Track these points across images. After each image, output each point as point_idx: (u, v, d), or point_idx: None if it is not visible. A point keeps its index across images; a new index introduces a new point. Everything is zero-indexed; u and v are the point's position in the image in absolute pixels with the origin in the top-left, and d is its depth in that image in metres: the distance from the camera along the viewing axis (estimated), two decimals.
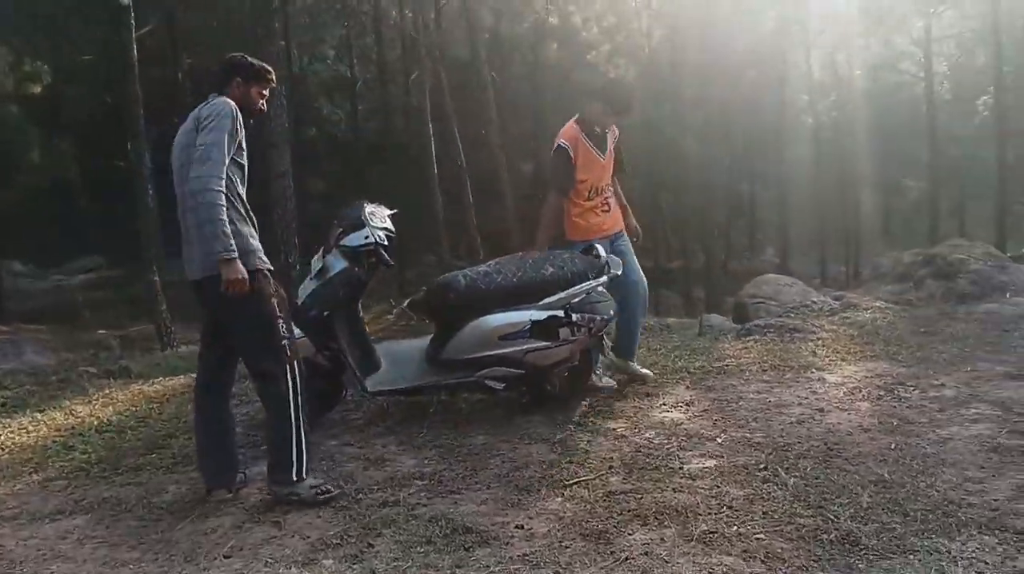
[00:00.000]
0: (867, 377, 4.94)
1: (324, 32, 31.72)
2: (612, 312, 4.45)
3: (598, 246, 4.52)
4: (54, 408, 5.08)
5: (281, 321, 3.36)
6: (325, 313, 4.09)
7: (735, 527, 2.94)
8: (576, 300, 4.30)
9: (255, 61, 3.55)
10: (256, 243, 3.37)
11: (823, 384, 4.81)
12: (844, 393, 4.62)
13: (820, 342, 5.78)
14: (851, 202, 32.18)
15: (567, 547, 2.85)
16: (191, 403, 4.98)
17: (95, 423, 4.69)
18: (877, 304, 6.85)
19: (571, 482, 3.45)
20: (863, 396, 4.55)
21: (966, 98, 30.21)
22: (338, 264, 4.08)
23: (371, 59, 27.90)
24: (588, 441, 4.00)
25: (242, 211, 3.36)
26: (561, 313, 4.20)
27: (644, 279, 4.90)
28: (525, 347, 4.20)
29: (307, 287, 4.17)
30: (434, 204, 18.34)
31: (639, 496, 3.26)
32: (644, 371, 5.04)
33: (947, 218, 30.08)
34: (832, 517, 2.98)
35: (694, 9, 24.20)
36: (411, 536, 2.99)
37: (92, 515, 3.34)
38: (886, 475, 3.37)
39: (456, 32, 22.13)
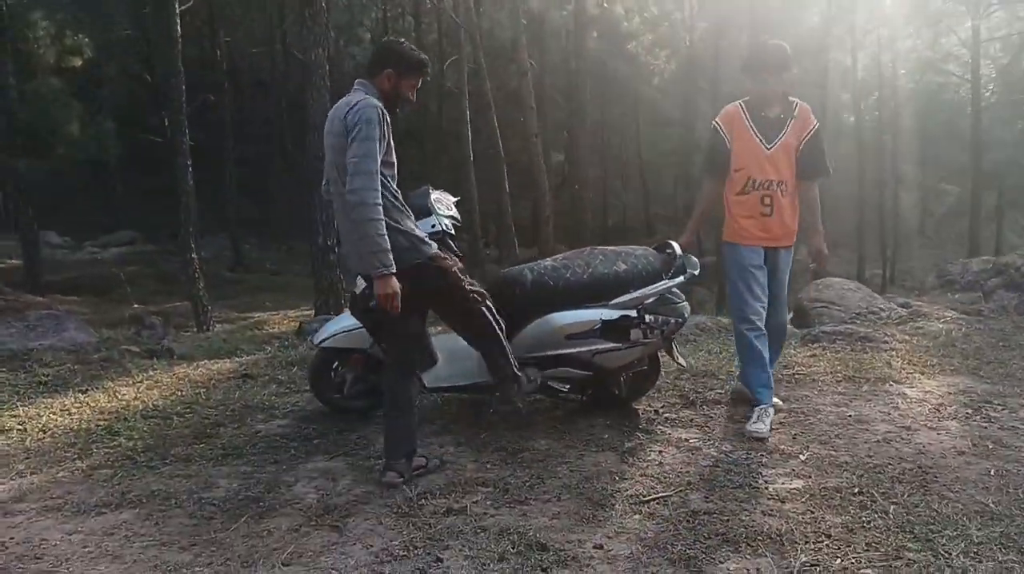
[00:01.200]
0: (950, 393, 4.64)
1: (362, 15, 31.61)
2: (687, 315, 4.18)
3: (673, 243, 4.22)
4: (97, 389, 4.91)
5: (466, 283, 3.50)
6: None
7: (838, 560, 2.68)
8: (650, 300, 4.03)
9: (412, 51, 3.43)
10: (420, 231, 3.41)
11: (904, 399, 4.52)
12: (929, 410, 4.33)
13: (894, 353, 5.47)
14: (889, 203, 31.53)
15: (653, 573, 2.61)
16: (238, 390, 4.88)
17: (140, 407, 4.51)
18: (948, 314, 6.52)
19: (648, 498, 3.20)
20: (950, 414, 4.26)
21: (1011, 102, 29.40)
22: None
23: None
24: (660, 452, 3.75)
25: (400, 206, 3.33)
26: (634, 313, 3.94)
27: (787, 322, 4.56)
28: (594, 348, 3.94)
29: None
30: (469, 191, 18.11)
31: (725, 518, 3.00)
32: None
33: (984, 223, 29.29)
34: (944, 553, 2.71)
35: (736, 2, 23.68)
36: (481, 551, 2.76)
37: (140, 510, 3.15)
38: (991, 505, 3.10)
39: (495, 16, 21.83)
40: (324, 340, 4.14)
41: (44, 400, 4.68)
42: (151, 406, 4.54)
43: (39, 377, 5.17)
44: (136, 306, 15.80)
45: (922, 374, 5.04)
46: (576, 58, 20.72)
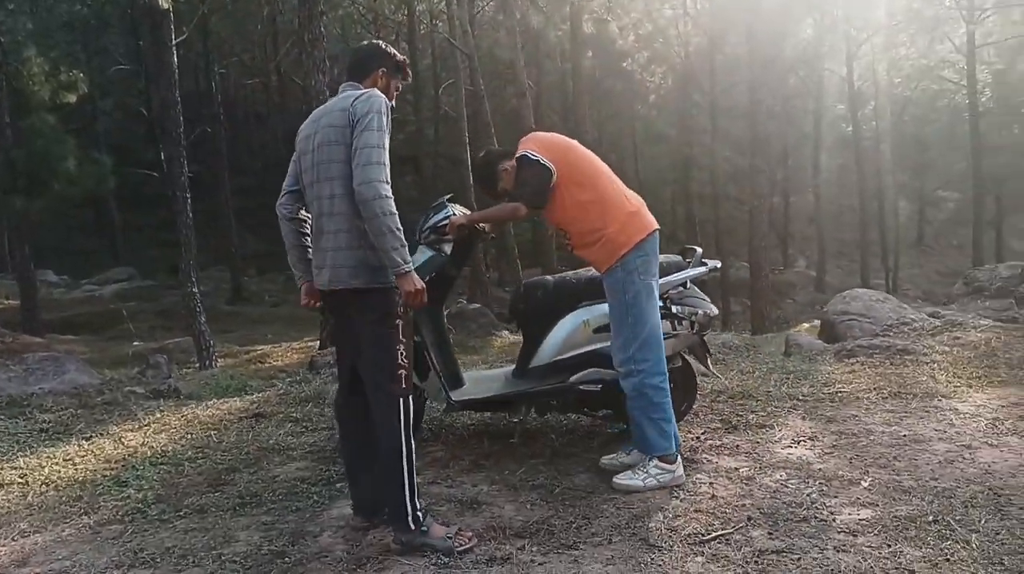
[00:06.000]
0: (1003, 406, 4.40)
1: (356, 42, 31.60)
2: (715, 310, 4.00)
3: (695, 247, 4.14)
4: (101, 434, 4.65)
5: (403, 348, 2.95)
6: None
7: None
8: (674, 291, 3.91)
9: (398, 52, 3.21)
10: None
11: (957, 415, 4.27)
12: (985, 425, 4.09)
13: (936, 365, 5.23)
14: (889, 212, 31.46)
15: None
16: (251, 431, 4.62)
17: (148, 454, 4.24)
18: (984, 322, 6.28)
19: (708, 537, 2.94)
20: (1008, 429, 4.01)
21: (1007, 107, 29.40)
22: (422, 255, 3.79)
23: None
24: (710, 483, 3.49)
25: None
26: (660, 303, 3.75)
27: None
28: None
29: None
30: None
31: (796, 557, 2.74)
32: None
33: (984, 229, 29.16)
34: None
35: (733, 15, 23.65)
36: None
37: (155, 571, 2.87)
38: None
39: (492, 37, 21.79)
40: None
41: (46, 449, 4.42)
42: (160, 452, 4.27)
43: (40, 424, 4.91)
44: (136, 343, 15.56)
45: (969, 387, 4.80)
46: (573, 77, 20.63)
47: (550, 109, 25.39)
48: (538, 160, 3.44)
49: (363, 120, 2.84)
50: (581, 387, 3.89)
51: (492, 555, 2.87)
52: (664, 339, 3.68)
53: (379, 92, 2.96)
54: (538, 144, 3.53)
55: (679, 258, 4.08)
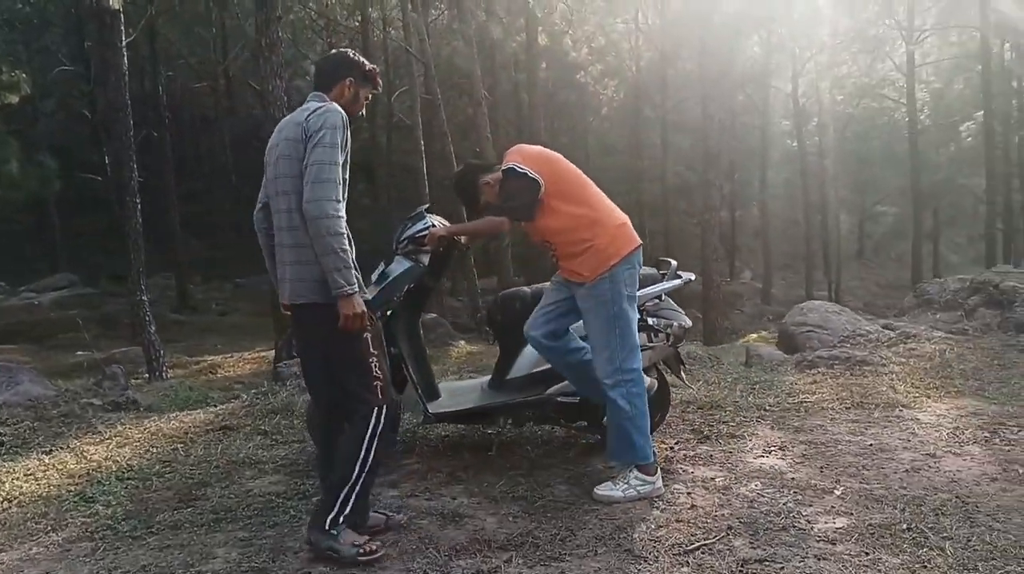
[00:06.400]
0: (961, 416, 4.56)
1: (307, 48, 31.29)
2: (688, 322, 4.06)
3: (669, 259, 4.22)
4: (62, 448, 4.49)
5: (375, 359, 2.92)
6: (388, 312, 3.78)
7: None
8: (650, 303, 3.96)
9: (366, 61, 3.16)
10: (357, 273, 2.94)
11: (919, 425, 4.42)
12: (947, 435, 4.23)
13: (895, 376, 5.39)
14: (832, 226, 32.35)
15: None
16: (219, 444, 4.51)
17: (114, 468, 4.10)
18: (937, 334, 6.49)
19: (692, 547, 2.97)
20: (968, 438, 4.16)
21: (944, 125, 30.60)
22: (399, 266, 3.77)
23: None
24: (688, 493, 3.54)
25: (344, 231, 2.93)
26: (637, 315, 3.80)
27: None
28: None
29: (368, 294, 3.78)
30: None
31: (779, 565, 2.80)
32: None
33: (923, 243, 30.20)
34: None
35: (684, 31, 24.09)
36: None
37: None
38: None
39: (447, 47, 21.78)
40: None
41: (5, 463, 4.25)
42: (125, 466, 4.14)
43: None
44: (80, 353, 15.08)
45: (927, 397, 4.96)
46: (528, 88, 20.74)
47: (504, 120, 25.43)
48: (525, 173, 3.44)
49: (315, 136, 2.82)
50: (559, 399, 3.91)
51: (479, 569, 2.86)
52: (642, 351, 3.73)
53: (335, 107, 2.91)
54: (524, 156, 3.51)
55: (654, 270, 4.13)
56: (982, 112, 22.77)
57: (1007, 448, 3.99)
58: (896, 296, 27.07)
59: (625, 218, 3.62)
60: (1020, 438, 4.13)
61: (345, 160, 2.88)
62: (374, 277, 3.83)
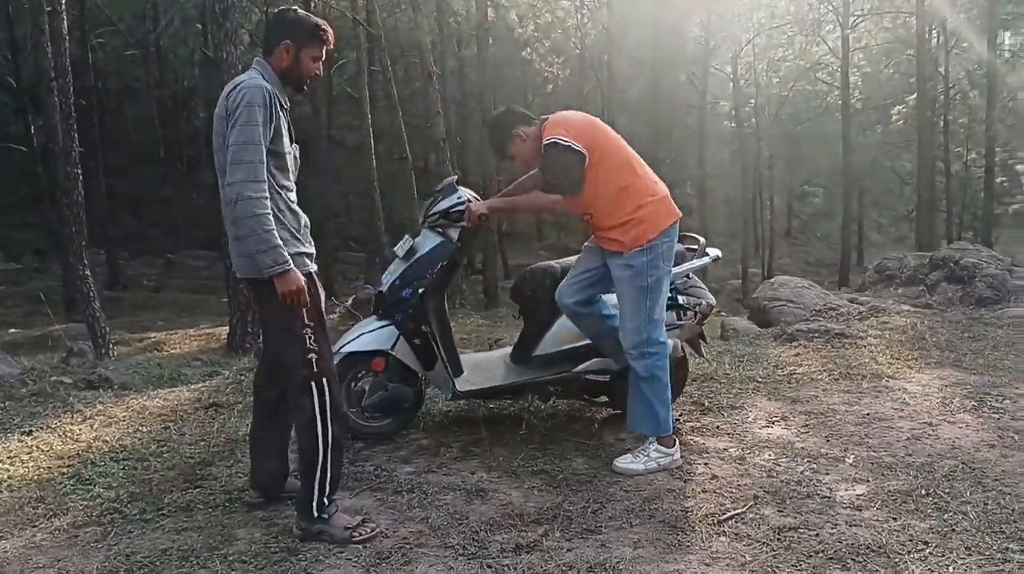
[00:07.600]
0: (947, 386, 4.72)
1: (242, 18, 30.24)
2: (714, 300, 4.08)
3: (698, 236, 4.19)
4: (42, 429, 4.23)
5: (309, 331, 2.85)
6: (420, 290, 3.68)
7: (951, 568, 2.56)
8: (680, 281, 3.96)
9: (309, 17, 2.94)
10: (296, 247, 2.86)
11: (908, 395, 4.55)
12: (938, 404, 4.37)
13: (874, 348, 5.54)
14: (765, 205, 33.20)
15: None
16: (213, 422, 4.34)
17: (105, 449, 3.90)
18: (905, 308, 6.71)
19: (724, 517, 3.00)
20: (959, 407, 4.31)
21: (874, 108, 31.68)
22: (429, 241, 3.71)
23: None
24: (706, 464, 3.57)
25: (282, 207, 2.83)
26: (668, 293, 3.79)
27: None
28: None
29: (395, 270, 3.76)
30: (373, 198, 17.62)
31: (814, 533, 2.84)
32: None
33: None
34: None
35: (628, 10, 24.17)
36: None
37: None
38: None
39: (394, 18, 21.38)
40: (348, 343, 3.75)
41: None
42: (117, 446, 3.93)
43: None
44: (12, 330, 14.38)
45: (909, 368, 5.11)
46: (478, 64, 20.52)
47: (450, 94, 25.16)
48: (570, 145, 3.33)
49: (234, 114, 2.72)
50: (588, 377, 3.88)
51: (517, 543, 2.83)
52: (671, 330, 3.73)
53: (255, 82, 2.76)
54: (568, 128, 3.39)
55: (681, 247, 4.08)
56: (914, 95, 23.53)
57: (996, 416, 4.14)
58: (824, 274, 28.05)
59: (666, 190, 3.57)
60: (1006, 407, 4.29)
61: (281, 131, 2.80)
62: (400, 252, 3.72)
